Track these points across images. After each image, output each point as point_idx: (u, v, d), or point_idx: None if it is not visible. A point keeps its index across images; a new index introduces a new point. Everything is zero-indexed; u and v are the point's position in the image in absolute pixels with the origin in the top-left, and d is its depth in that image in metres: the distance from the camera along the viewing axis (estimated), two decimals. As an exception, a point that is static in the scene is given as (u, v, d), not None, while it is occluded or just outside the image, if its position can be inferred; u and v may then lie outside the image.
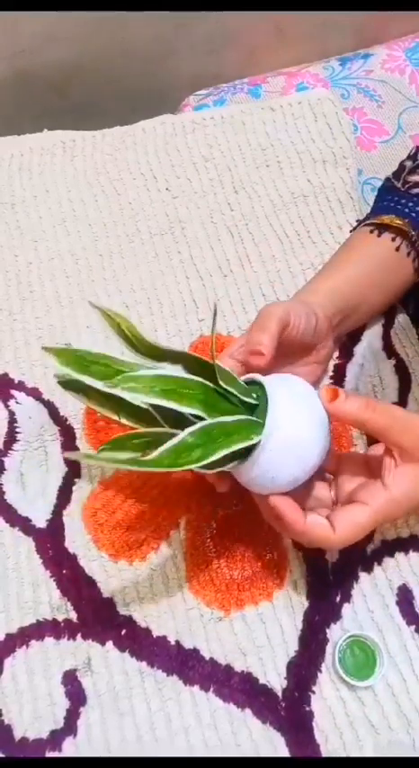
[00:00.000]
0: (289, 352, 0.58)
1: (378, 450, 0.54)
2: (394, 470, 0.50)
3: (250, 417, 0.50)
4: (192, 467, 0.45)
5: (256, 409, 0.51)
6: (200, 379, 0.49)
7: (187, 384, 0.49)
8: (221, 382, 0.49)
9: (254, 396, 0.51)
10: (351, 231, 0.70)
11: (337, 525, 0.50)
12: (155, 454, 0.44)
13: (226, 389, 0.50)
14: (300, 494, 0.53)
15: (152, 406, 0.48)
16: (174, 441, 0.45)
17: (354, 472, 0.55)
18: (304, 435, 0.50)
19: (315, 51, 1.02)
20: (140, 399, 0.46)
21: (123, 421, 0.52)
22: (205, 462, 0.45)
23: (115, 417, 0.53)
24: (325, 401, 0.50)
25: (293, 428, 0.49)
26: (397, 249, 0.63)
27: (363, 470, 0.55)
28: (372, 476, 0.53)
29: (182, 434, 0.45)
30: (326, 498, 0.55)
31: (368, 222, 0.65)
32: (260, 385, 0.52)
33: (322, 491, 0.55)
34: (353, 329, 0.67)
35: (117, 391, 0.46)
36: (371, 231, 0.64)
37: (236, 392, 0.50)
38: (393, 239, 0.63)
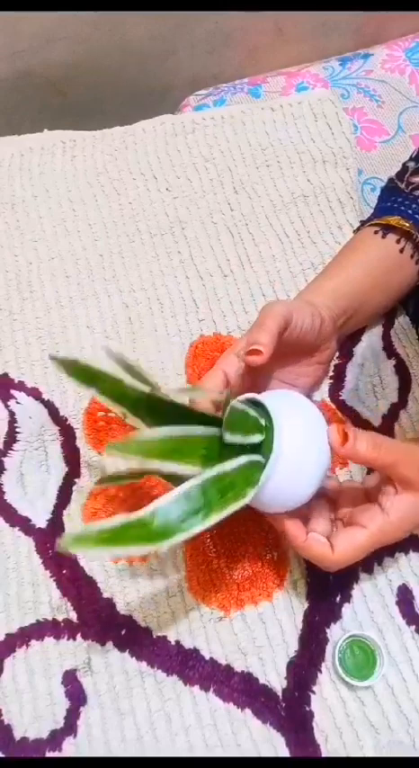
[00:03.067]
0: (290, 352, 0.58)
1: (373, 480, 0.56)
2: (393, 497, 0.52)
3: (251, 458, 0.50)
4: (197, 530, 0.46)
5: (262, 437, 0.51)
6: (200, 432, 0.49)
7: (188, 440, 0.49)
8: (227, 433, 0.49)
9: (261, 422, 0.51)
10: (354, 232, 0.70)
11: (336, 546, 0.51)
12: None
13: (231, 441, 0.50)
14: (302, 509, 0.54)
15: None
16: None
17: (354, 496, 0.56)
18: (309, 459, 0.50)
19: (315, 51, 1.02)
20: (142, 465, 0.47)
21: (129, 421, 0.52)
22: (209, 525, 0.46)
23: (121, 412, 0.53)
24: (335, 444, 0.50)
25: (298, 454, 0.50)
26: (401, 251, 0.63)
27: (362, 496, 0.56)
28: (370, 500, 0.55)
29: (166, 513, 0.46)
30: (326, 515, 0.55)
31: (373, 223, 0.65)
32: (263, 406, 0.52)
33: (322, 507, 0.56)
34: (355, 330, 0.67)
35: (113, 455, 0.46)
36: (376, 232, 0.64)
37: (241, 439, 0.50)
38: (398, 241, 0.63)
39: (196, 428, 0.49)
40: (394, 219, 0.64)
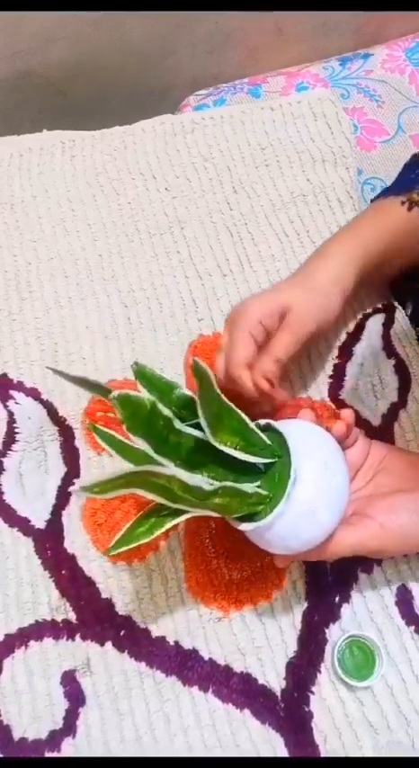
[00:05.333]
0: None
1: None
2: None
3: (260, 492, 0.49)
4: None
5: (272, 467, 0.50)
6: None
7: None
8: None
9: (272, 448, 0.51)
10: (372, 201, 0.70)
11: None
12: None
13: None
14: None
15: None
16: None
17: None
18: (324, 512, 0.49)
19: (315, 51, 1.02)
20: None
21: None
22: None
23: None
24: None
25: (317, 498, 0.49)
26: None
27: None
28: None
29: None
30: None
31: (397, 194, 0.65)
32: (279, 434, 0.51)
33: None
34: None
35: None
36: (402, 203, 0.64)
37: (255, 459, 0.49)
38: None
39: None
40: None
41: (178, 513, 0.47)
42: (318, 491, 0.49)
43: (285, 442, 0.50)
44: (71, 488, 0.56)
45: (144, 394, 0.49)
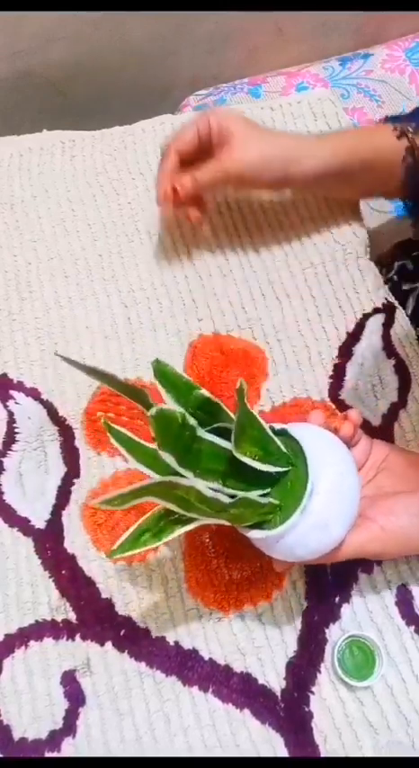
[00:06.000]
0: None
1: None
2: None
3: (272, 502, 0.49)
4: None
5: (286, 475, 0.50)
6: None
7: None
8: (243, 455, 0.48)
9: (287, 454, 0.50)
10: (378, 121, 0.72)
11: None
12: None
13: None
14: None
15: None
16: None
17: None
18: (336, 522, 0.49)
19: (315, 51, 1.02)
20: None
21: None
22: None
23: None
24: None
25: (332, 511, 0.49)
26: (403, 160, 0.65)
27: None
28: None
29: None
30: None
31: (393, 123, 0.67)
32: (294, 440, 0.50)
33: None
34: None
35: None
36: (394, 130, 0.66)
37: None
38: (407, 149, 0.65)
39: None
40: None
41: (189, 520, 0.47)
42: (333, 504, 0.49)
43: (300, 450, 0.49)
44: (91, 502, 0.54)
45: (167, 400, 0.49)
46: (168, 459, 0.45)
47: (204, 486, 0.44)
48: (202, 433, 0.48)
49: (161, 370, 0.49)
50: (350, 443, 0.54)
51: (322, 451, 0.50)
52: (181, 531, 0.47)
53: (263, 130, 0.66)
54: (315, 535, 0.49)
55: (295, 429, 0.51)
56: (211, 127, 0.64)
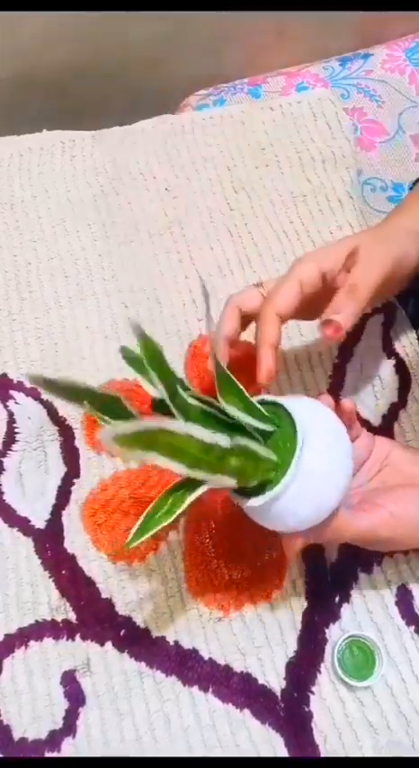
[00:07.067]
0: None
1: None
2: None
3: (271, 457, 0.48)
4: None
5: (272, 436, 0.49)
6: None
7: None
8: (228, 406, 0.47)
9: (273, 421, 0.50)
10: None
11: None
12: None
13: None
14: None
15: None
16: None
17: None
18: (331, 482, 0.49)
19: (315, 51, 1.02)
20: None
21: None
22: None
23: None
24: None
25: (323, 474, 0.48)
26: None
27: None
28: None
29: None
30: None
31: None
32: (283, 409, 0.50)
33: None
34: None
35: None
36: None
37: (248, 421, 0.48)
38: None
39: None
40: None
41: (195, 486, 0.46)
42: (326, 456, 0.48)
43: (288, 414, 0.49)
44: (98, 435, 0.51)
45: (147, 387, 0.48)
46: (162, 392, 0.45)
47: (204, 432, 0.43)
48: (185, 394, 0.47)
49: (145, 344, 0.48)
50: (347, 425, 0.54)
51: (310, 414, 0.50)
52: (191, 498, 0.46)
53: (376, 230, 0.59)
54: (313, 488, 0.48)
55: (285, 399, 0.51)
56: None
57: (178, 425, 0.43)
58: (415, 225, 0.58)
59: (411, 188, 0.66)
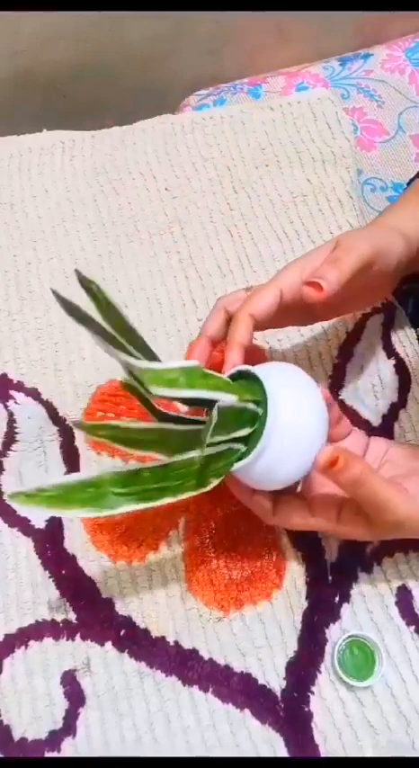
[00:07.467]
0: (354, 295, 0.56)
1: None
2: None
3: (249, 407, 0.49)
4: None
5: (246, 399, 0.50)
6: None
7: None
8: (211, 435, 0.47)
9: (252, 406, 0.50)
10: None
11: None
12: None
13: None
14: None
15: None
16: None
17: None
18: (306, 435, 0.50)
19: (315, 51, 1.02)
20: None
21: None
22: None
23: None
24: (320, 464, 0.48)
25: (299, 423, 0.49)
26: None
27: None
28: None
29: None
30: None
31: None
32: (254, 378, 0.51)
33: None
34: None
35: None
36: None
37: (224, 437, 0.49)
38: None
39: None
40: None
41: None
42: (299, 402, 0.50)
43: (257, 378, 0.50)
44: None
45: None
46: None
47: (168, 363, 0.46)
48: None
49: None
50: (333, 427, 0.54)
51: (281, 373, 0.52)
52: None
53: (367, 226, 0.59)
54: (293, 434, 0.49)
55: (254, 368, 0.52)
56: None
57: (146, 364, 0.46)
58: (399, 223, 0.58)
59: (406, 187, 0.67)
